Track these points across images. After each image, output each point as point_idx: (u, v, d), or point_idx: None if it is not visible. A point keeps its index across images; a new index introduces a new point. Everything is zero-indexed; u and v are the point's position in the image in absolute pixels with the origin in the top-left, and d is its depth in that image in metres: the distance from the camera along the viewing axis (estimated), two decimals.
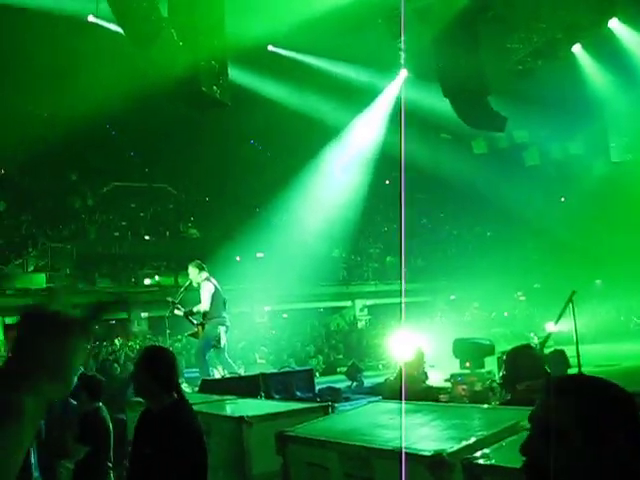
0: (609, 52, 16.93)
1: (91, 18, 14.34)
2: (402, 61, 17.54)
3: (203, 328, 10.29)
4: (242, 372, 10.98)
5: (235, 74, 13.92)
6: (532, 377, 3.98)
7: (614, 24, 16.06)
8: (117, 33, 12.69)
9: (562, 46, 16.73)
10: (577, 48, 17.20)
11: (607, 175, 20.71)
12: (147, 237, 20.17)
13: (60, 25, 14.38)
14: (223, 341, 10.28)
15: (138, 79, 14.31)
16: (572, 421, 1.58)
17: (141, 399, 4.54)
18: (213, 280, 10.35)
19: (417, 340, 11.41)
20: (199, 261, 10.55)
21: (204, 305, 10.13)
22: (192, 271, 10.40)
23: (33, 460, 8.73)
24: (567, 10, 15.00)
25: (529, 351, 4.30)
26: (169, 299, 10.37)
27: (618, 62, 17.21)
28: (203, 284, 10.22)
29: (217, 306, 10.21)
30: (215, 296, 10.18)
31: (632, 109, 18.61)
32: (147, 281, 18.52)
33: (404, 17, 14.45)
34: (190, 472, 3.57)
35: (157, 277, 18.61)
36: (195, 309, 10.20)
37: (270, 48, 16.47)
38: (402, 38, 14.96)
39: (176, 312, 10.34)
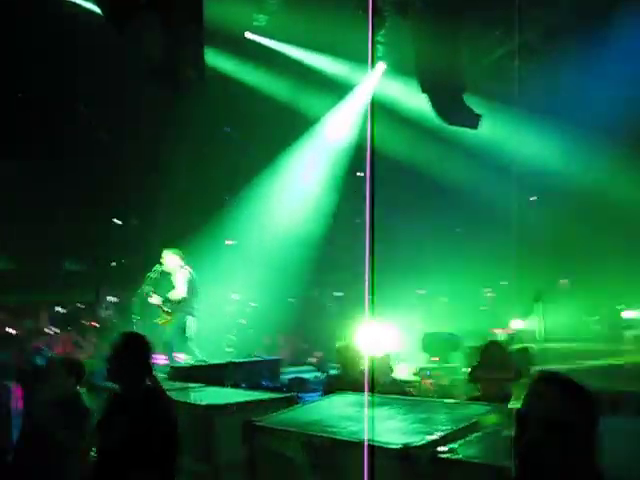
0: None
1: None
2: (380, 54, 17.57)
3: (172, 316, 10.22)
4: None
5: (212, 59, 13.81)
6: (500, 373, 4.03)
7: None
8: (93, 12, 12.52)
9: (540, 46, 16.91)
10: (551, 49, 17.34)
11: (577, 175, 20.95)
12: (118, 221, 19.96)
13: (34, 3, 14.10)
14: (190, 331, 10.22)
15: (112, 61, 14.12)
16: (577, 414, 1.73)
17: (109, 384, 4.51)
18: (188, 268, 10.27)
19: (385, 334, 11.48)
20: (176, 248, 10.43)
21: (179, 293, 10.03)
22: (168, 257, 10.29)
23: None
24: (547, 10, 15.16)
25: (498, 347, 4.34)
26: (146, 288, 10.24)
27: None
28: (178, 271, 10.13)
29: (190, 296, 10.15)
30: (190, 285, 10.10)
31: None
32: (115, 264, 18.32)
33: (383, 10, 14.47)
34: (168, 452, 3.58)
35: (126, 261, 18.43)
36: (170, 296, 10.10)
37: (248, 35, 16.34)
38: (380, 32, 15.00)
39: (150, 300, 10.22)
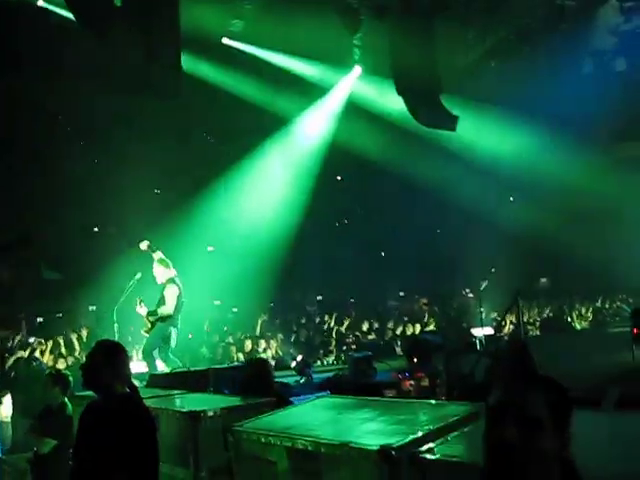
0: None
1: (41, 2, 14.05)
2: (356, 57, 17.66)
3: (153, 326, 10.21)
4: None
5: (188, 65, 13.81)
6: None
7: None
8: (68, 19, 12.46)
9: (514, 47, 17.06)
10: (528, 49, 17.53)
11: (555, 174, 21.14)
12: (96, 229, 19.82)
13: (8, 9, 14.02)
14: (173, 342, 10.23)
15: (88, 68, 14.06)
16: (546, 409, 1.84)
17: (87, 392, 4.51)
18: (178, 281, 10.26)
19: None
20: (166, 259, 10.40)
21: (169, 308, 10.02)
22: (158, 269, 10.27)
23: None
24: (520, 13, 15.31)
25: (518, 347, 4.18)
26: (138, 298, 10.23)
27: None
28: (169, 285, 10.11)
29: (177, 311, 10.15)
30: (178, 301, 10.10)
31: None
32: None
33: (360, 13, 14.55)
34: (147, 461, 3.58)
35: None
36: (160, 310, 10.07)
37: (225, 41, 16.34)
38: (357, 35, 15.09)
39: (138, 309, 10.21)
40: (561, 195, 20.38)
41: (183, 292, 10.29)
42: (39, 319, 17.49)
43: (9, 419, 9.10)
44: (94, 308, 17.04)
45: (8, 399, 9.26)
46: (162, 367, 10.11)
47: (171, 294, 10.06)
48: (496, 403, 1.89)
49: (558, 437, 1.84)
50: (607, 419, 3.59)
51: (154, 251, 10.42)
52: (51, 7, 13.94)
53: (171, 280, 10.19)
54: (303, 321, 19.12)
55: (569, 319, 19.39)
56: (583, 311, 20.13)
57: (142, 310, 10.19)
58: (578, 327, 19.18)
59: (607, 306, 20.73)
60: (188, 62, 13.64)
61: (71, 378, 6.90)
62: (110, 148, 19.08)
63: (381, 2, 14.07)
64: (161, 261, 10.32)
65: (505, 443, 1.82)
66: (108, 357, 3.87)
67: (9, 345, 13.14)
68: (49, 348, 13.01)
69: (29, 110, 16.15)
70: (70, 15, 12.15)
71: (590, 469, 2.03)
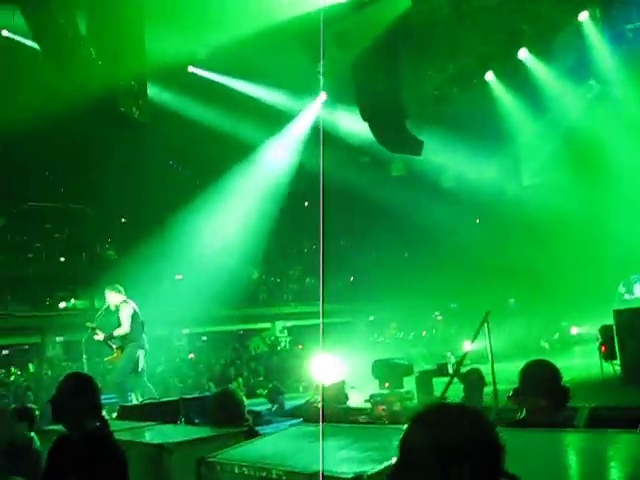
0: (519, 80, 17.68)
1: (5, 32, 13.98)
2: (321, 85, 17.80)
3: (122, 352, 10.11)
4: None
5: (154, 93, 13.81)
6: (545, 394, 3.72)
7: (523, 54, 16.84)
8: (33, 49, 12.39)
9: (476, 74, 17.39)
10: (490, 76, 17.90)
11: (518, 197, 21.53)
12: (62, 259, 19.62)
13: None
14: (141, 365, 10.12)
15: (54, 97, 13.98)
16: (431, 454, 1.65)
17: (57, 426, 4.43)
18: (131, 302, 10.22)
19: (337, 363, 11.51)
20: (116, 284, 10.40)
21: (124, 328, 9.98)
22: (110, 295, 10.24)
23: None
24: (480, 40, 15.60)
25: (546, 365, 4.04)
26: (88, 324, 10.17)
27: (527, 90, 17.98)
28: (122, 306, 10.08)
29: (136, 329, 10.07)
30: (134, 319, 10.04)
31: (540, 135, 19.48)
32: (62, 304, 18.00)
33: (323, 41, 14.69)
34: None
35: (73, 300, 18.12)
36: (115, 333, 10.03)
37: (190, 69, 16.40)
38: (321, 62, 15.20)
39: (96, 337, 10.13)
40: (529, 219, 20.70)
41: (139, 313, 10.25)
42: (4, 352, 17.22)
43: None
44: (62, 339, 16.83)
45: None
46: (135, 396, 9.99)
47: (125, 314, 10.05)
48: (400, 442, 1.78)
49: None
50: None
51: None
52: (16, 37, 13.86)
53: (124, 301, 10.18)
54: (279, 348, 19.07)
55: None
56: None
57: (100, 337, 10.13)
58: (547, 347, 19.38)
59: None
60: (154, 90, 13.65)
61: (37, 412, 6.77)
62: (76, 178, 18.97)
63: (343, 29, 14.23)
64: (112, 287, 10.31)
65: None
66: (78, 390, 3.81)
67: None
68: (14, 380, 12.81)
69: None
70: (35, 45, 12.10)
71: None
